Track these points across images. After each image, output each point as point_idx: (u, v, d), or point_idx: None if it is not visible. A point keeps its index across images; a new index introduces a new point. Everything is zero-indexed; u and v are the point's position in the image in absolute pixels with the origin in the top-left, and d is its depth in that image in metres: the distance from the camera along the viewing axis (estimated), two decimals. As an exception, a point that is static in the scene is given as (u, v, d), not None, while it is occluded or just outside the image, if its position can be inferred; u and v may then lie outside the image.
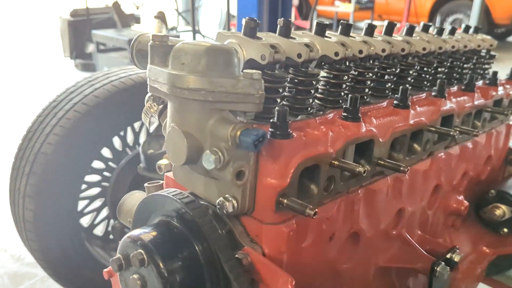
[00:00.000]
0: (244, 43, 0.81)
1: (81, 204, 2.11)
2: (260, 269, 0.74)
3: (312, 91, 0.89)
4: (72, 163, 1.88)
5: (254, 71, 0.70)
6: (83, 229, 2.13)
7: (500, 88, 1.46)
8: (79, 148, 1.88)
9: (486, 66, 1.53)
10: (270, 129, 0.75)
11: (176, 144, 0.72)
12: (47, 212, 1.86)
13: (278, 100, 0.84)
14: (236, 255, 0.74)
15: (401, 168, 0.92)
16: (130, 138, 2.27)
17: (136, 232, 0.75)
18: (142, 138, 2.26)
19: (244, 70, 0.70)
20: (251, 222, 0.79)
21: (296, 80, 0.87)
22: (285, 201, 0.74)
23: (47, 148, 1.84)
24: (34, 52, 8.68)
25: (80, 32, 7.28)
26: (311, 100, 0.90)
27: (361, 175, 0.81)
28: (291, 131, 0.75)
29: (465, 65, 1.41)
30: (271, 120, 0.75)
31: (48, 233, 1.89)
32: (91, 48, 7.04)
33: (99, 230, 2.30)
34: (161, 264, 0.69)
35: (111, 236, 2.26)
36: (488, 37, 1.53)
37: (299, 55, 0.85)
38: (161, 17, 5.80)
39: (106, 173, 2.18)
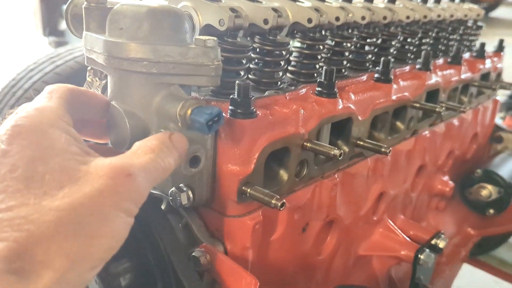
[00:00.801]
0: (200, 6, 0.69)
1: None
2: (220, 269, 0.64)
3: (282, 63, 0.78)
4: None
5: (208, 37, 0.59)
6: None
7: (488, 61, 1.37)
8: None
9: (473, 37, 1.44)
10: (230, 107, 0.64)
11: (118, 125, 0.60)
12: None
13: (242, 73, 0.73)
14: (193, 253, 0.64)
15: (383, 149, 0.82)
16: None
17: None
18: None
19: (196, 37, 0.59)
20: (210, 214, 0.68)
21: (263, 50, 0.76)
22: (249, 190, 0.64)
23: (4, 131, 1.70)
24: (6, 29, 8.34)
25: (52, 8, 6.99)
26: (280, 74, 0.79)
27: (337, 159, 0.71)
28: (254, 109, 0.64)
29: (451, 36, 1.31)
30: (231, 96, 0.64)
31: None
32: (64, 24, 6.76)
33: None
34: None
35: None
36: (475, 6, 1.43)
37: (266, 21, 0.73)
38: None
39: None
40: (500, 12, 11.42)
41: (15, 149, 0.46)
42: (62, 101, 0.54)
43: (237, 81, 0.63)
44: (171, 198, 0.64)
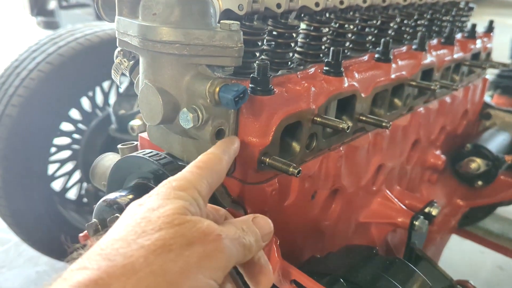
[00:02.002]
0: (220, -8, 0.75)
1: (52, 168, 2.04)
2: (243, 230, 0.71)
3: (293, 44, 0.85)
4: (39, 125, 1.80)
5: (232, 21, 0.65)
6: (55, 193, 2.07)
7: (478, 41, 1.44)
8: (46, 110, 1.80)
9: (465, 18, 1.51)
10: (250, 85, 0.71)
11: (150, 102, 0.67)
12: (16, 177, 1.79)
13: (257, 54, 0.80)
14: (218, 217, 0.71)
15: (383, 124, 0.90)
16: (99, 98, 2.18)
17: (112, 195, 0.71)
18: (112, 99, 2.18)
19: (222, 21, 0.65)
20: (232, 182, 0.76)
21: (275, 33, 0.83)
22: (268, 160, 0.71)
23: (11, 110, 1.75)
24: (-8, 9, 8.20)
25: (40, -13, 6.88)
26: (291, 54, 0.86)
27: (344, 132, 0.79)
28: (272, 87, 0.71)
29: (444, 18, 1.38)
30: (251, 75, 0.71)
31: (19, 198, 1.83)
32: (52, 4, 6.68)
33: (72, 194, 2.24)
34: (139, 228, 0.66)
35: (84, 200, 2.21)
36: (468, -12, 1.50)
37: (279, 5, 0.80)
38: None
39: (76, 136, 2.11)
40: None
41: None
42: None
43: (257, 62, 0.70)
44: (197, 167, 0.71)
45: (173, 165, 0.70)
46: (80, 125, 2.09)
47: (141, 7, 0.65)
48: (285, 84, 0.76)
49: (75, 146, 2.11)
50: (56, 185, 2.12)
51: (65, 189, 2.18)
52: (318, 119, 0.79)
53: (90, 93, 2.05)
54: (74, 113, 2.01)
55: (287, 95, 0.74)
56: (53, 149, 1.97)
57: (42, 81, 1.78)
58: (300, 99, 0.76)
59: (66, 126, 2.01)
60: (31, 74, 1.81)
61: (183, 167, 0.72)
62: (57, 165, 2.12)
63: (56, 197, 2.05)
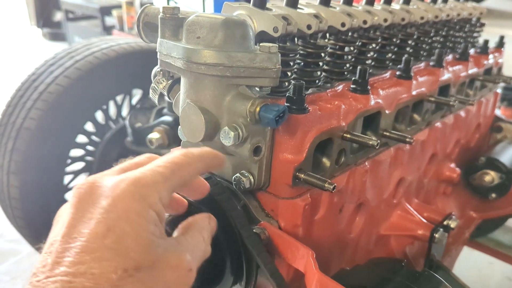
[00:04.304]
0: (254, 14, 0.79)
1: (67, 179, 2.06)
2: (279, 243, 0.74)
3: (321, 64, 0.88)
4: (56, 138, 1.83)
5: (271, 44, 0.68)
6: (69, 204, 2.09)
7: (491, 56, 1.48)
8: (63, 123, 1.83)
9: (476, 34, 1.55)
10: (286, 103, 0.74)
11: (193, 121, 0.70)
12: (33, 189, 1.81)
13: (289, 74, 0.83)
14: (254, 230, 0.74)
15: (407, 139, 0.93)
16: (112, 111, 2.21)
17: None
18: (125, 111, 2.21)
19: (261, 44, 0.68)
20: (266, 197, 0.79)
21: (305, 53, 0.86)
22: (303, 175, 0.74)
23: (30, 124, 1.78)
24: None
25: (45, -1, 6.95)
26: (319, 73, 0.89)
27: (371, 147, 0.81)
28: (307, 105, 0.74)
29: (458, 34, 1.41)
30: (287, 95, 0.74)
31: (35, 209, 1.85)
32: (59, 16, 6.76)
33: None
34: (181, 242, 0.69)
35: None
36: (478, 4, 1.54)
37: (309, 27, 0.83)
38: (133, -17, 5.58)
39: (90, 147, 2.14)
40: (489, 3, 11.58)
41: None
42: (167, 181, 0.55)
43: (293, 82, 0.73)
44: (235, 182, 0.74)
45: (212, 181, 0.73)
46: (94, 137, 2.13)
47: (185, 30, 0.68)
48: (317, 102, 0.79)
49: (89, 158, 2.14)
50: (69, 196, 2.15)
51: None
52: (347, 135, 0.82)
53: (104, 106, 2.09)
54: (88, 126, 2.04)
55: (320, 113, 0.77)
56: (68, 161, 1.99)
57: (59, 95, 1.81)
58: (331, 117, 0.79)
59: (81, 138, 2.04)
60: (49, 87, 1.84)
61: (221, 183, 0.75)
62: (71, 176, 2.15)
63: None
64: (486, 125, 1.63)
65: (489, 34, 1.65)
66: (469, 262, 2.41)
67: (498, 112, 1.82)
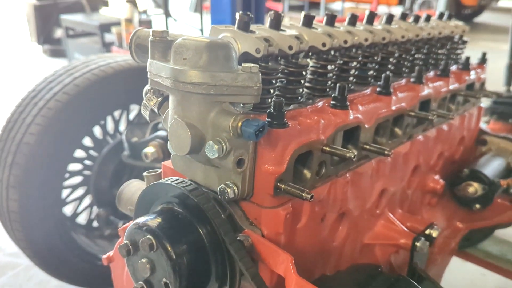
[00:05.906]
0: (238, 36, 0.85)
1: (64, 193, 2.11)
2: (261, 250, 0.79)
3: (302, 81, 0.94)
4: (55, 152, 1.88)
5: (252, 64, 0.74)
6: (67, 218, 2.14)
7: (472, 72, 1.54)
8: (62, 138, 1.88)
9: (459, 51, 1.61)
10: (267, 119, 0.79)
11: (180, 135, 0.75)
12: (32, 202, 1.86)
13: (272, 91, 0.89)
14: (238, 238, 0.79)
15: (385, 152, 0.98)
16: (109, 126, 2.27)
17: (142, 219, 0.79)
18: (122, 127, 2.27)
19: (243, 64, 0.74)
20: (249, 206, 0.84)
21: (287, 71, 0.92)
22: (283, 186, 0.79)
23: (29, 138, 1.83)
24: (0, 37, 8.39)
25: (46, 16, 7.08)
26: (301, 90, 0.95)
27: (349, 159, 0.87)
28: (286, 120, 0.80)
29: (439, 51, 1.48)
30: (268, 111, 0.79)
31: (34, 223, 1.90)
32: (59, 33, 6.87)
33: (82, 219, 2.31)
34: (169, 248, 0.74)
35: (94, 224, 2.28)
36: (461, 23, 1.61)
37: (290, 47, 0.89)
38: (132, 1, 5.70)
39: (87, 162, 2.19)
40: (484, 18, 11.76)
41: None
42: None
43: (273, 99, 0.79)
44: (220, 192, 0.79)
45: (198, 191, 0.78)
46: (92, 152, 2.18)
47: (173, 52, 0.74)
48: (297, 118, 0.85)
49: (87, 172, 2.19)
50: (67, 210, 2.19)
51: (75, 214, 2.25)
52: (327, 148, 0.87)
53: (102, 122, 2.15)
54: (86, 140, 2.09)
55: (299, 127, 0.83)
56: (66, 175, 2.04)
57: (58, 111, 1.87)
58: (311, 131, 0.85)
59: (79, 153, 2.09)
60: (48, 103, 1.90)
61: (207, 193, 0.81)
62: (69, 190, 2.20)
63: (68, 222, 2.12)
64: (470, 138, 1.68)
65: (485, 48, 1.71)
66: (461, 273, 2.44)
67: (484, 125, 1.88)
